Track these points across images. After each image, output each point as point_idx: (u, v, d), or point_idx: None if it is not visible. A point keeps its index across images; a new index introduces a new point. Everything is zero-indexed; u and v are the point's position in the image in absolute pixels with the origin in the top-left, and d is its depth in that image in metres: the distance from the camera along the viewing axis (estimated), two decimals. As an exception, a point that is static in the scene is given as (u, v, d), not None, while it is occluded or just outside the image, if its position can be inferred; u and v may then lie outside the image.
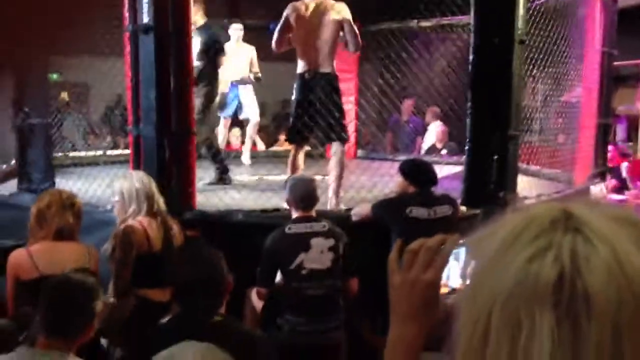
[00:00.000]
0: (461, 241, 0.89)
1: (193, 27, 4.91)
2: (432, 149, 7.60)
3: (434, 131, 7.71)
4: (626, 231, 0.63)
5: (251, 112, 6.66)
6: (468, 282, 0.70)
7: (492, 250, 0.66)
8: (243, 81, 6.54)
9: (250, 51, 6.55)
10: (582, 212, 0.65)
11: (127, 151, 4.61)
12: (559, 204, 0.67)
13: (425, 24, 7.29)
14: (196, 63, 4.91)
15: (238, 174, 6.05)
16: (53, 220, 2.94)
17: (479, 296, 0.66)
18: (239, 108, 6.63)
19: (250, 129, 6.79)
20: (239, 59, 6.43)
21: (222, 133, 6.56)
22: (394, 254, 0.98)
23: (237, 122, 7.36)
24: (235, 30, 6.53)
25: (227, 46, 6.30)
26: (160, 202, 3.24)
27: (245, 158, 6.76)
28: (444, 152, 7.51)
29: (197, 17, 5.13)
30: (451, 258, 0.95)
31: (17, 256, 2.92)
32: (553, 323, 0.60)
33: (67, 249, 2.96)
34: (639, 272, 0.60)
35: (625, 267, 0.60)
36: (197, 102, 4.72)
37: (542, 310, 0.60)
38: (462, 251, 1.07)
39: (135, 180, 3.21)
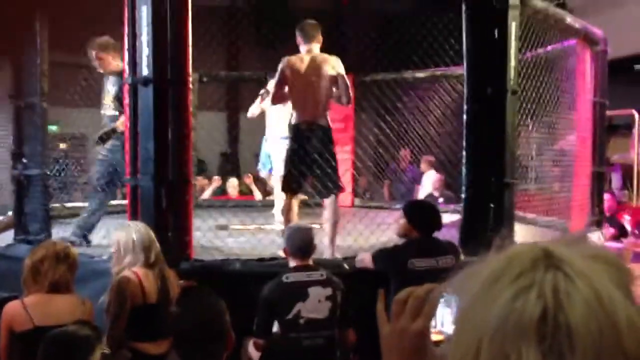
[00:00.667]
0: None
1: (109, 70, 4.81)
2: (429, 198, 7.63)
3: (430, 180, 7.76)
4: (602, 268, 0.66)
5: (277, 168, 6.28)
6: (454, 322, 0.72)
7: (475, 290, 0.69)
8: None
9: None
10: (561, 250, 0.67)
11: (124, 201, 4.62)
12: (539, 243, 0.69)
13: (419, 75, 7.44)
14: (111, 112, 4.82)
15: (236, 223, 6.05)
16: (47, 274, 2.91)
17: (465, 334, 0.68)
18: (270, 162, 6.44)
19: (275, 185, 6.40)
20: (278, 111, 6.32)
21: (275, 186, 6.25)
22: (380, 305, 0.99)
23: (234, 172, 7.39)
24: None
25: (265, 103, 6.24)
26: (158, 252, 3.23)
27: (277, 213, 6.19)
28: (440, 200, 7.54)
29: (118, 61, 4.76)
30: (444, 305, 0.97)
31: (12, 308, 2.90)
32: (539, 358, 0.62)
33: (62, 301, 2.93)
34: (616, 306, 0.62)
35: (604, 302, 0.62)
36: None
37: (528, 346, 0.62)
38: (454, 298, 1.08)
39: (133, 231, 3.20)
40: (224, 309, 2.31)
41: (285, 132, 6.17)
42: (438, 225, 3.72)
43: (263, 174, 6.59)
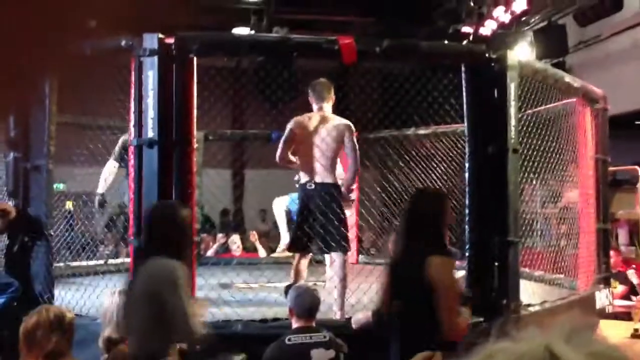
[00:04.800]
0: None
1: None
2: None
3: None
4: None
5: None
6: None
7: None
8: None
9: None
10: (564, 352, 0.66)
11: (128, 259, 4.62)
12: (540, 340, 0.68)
13: (422, 132, 7.52)
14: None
15: (240, 282, 6.02)
16: (41, 344, 2.82)
17: None
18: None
19: None
20: None
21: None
22: None
23: (238, 228, 7.40)
24: None
25: None
26: None
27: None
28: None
29: None
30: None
31: None
32: None
33: None
34: None
35: None
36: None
37: None
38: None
39: (115, 299, 3.10)
40: None
41: None
42: None
43: None
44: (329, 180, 4.59)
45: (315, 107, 4.70)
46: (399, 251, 3.07)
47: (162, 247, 2.77)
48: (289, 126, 4.67)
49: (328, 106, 4.70)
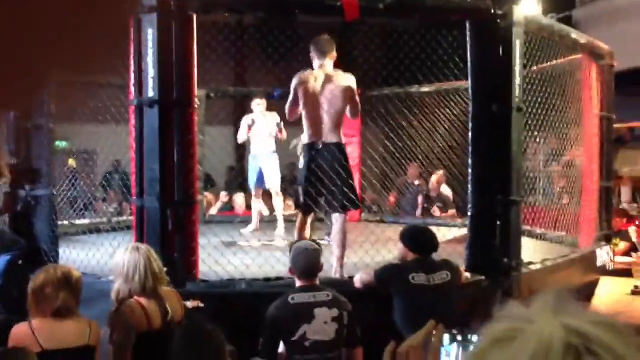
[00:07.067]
0: (449, 333, 0.90)
1: None
2: (426, 200, 7.71)
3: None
4: (624, 341, 0.66)
5: (272, 183, 6.71)
6: None
7: None
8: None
9: (274, 118, 6.61)
10: (579, 325, 0.66)
11: (132, 217, 4.64)
12: (558, 319, 0.67)
13: (426, 89, 7.45)
14: None
15: (242, 240, 6.06)
16: (49, 301, 2.88)
17: None
18: (261, 178, 6.72)
19: (276, 201, 6.73)
20: (265, 129, 6.58)
21: (256, 203, 6.87)
22: (388, 356, 0.98)
23: (241, 188, 7.43)
24: (257, 105, 6.74)
25: (254, 119, 6.49)
26: (158, 277, 3.13)
27: (280, 230, 6.61)
28: (438, 204, 7.61)
29: None
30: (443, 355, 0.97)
31: (20, 331, 2.89)
32: None
33: (68, 324, 2.92)
34: None
35: None
36: None
37: None
38: (453, 347, 1.08)
39: (128, 255, 3.11)
40: (222, 340, 2.33)
41: (274, 146, 6.69)
42: (435, 247, 3.85)
43: (253, 191, 6.84)
44: (335, 139, 4.55)
45: (317, 63, 4.61)
46: None
47: None
48: (293, 84, 4.59)
49: (330, 63, 4.61)
